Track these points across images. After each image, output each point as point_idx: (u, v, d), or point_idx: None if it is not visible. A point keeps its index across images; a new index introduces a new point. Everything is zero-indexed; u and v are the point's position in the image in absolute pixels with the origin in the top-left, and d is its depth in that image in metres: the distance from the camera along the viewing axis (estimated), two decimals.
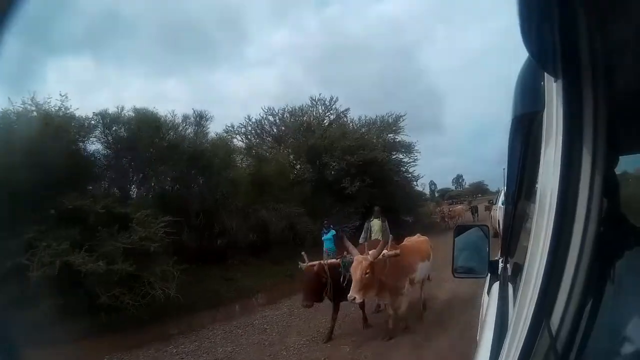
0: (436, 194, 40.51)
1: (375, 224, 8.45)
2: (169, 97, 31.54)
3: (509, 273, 1.93)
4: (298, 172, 15.73)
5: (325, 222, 11.54)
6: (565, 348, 0.68)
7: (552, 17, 0.66)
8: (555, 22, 0.66)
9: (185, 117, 12.30)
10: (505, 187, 6.66)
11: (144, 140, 10.22)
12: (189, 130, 12.29)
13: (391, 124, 17.60)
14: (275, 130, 16.48)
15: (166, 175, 10.52)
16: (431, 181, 38.69)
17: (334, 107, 17.30)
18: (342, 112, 17.33)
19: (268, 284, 10.86)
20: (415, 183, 20.58)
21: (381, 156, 15.51)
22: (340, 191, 15.00)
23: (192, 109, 12.93)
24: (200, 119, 12.72)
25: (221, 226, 11.36)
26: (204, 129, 12.75)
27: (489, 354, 1.19)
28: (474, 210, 24.00)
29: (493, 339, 1.28)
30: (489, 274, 2.39)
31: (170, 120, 11.51)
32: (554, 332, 0.69)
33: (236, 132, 16.14)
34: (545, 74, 0.78)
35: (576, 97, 0.67)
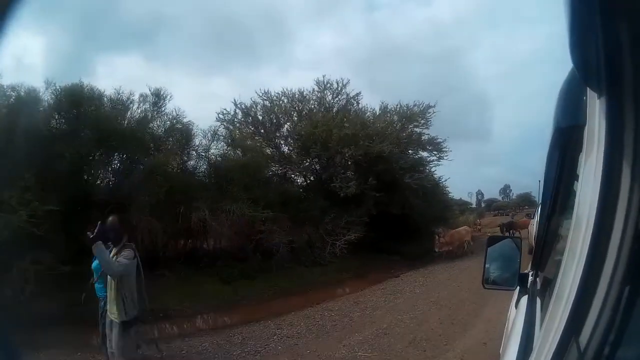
0: (482, 204, 38.75)
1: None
2: (216, 95, 31.11)
3: (538, 287, 1.91)
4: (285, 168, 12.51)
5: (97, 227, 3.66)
6: None
7: (597, 32, 0.63)
8: (600, 37, 0.63)
9: (144, 97, 10.83)
10: (540, 200, 5.65)
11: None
12: (136, 109, 10.64)
13: (416, 114, 13.71)
14: (267, 118, 13.37)
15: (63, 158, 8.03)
16: (478, 190, 37.39)
17: (343, 91, 13.79)
18: (353, 96, 13.78)
19: (203, 307, 8.27)
20: (447, 189, 17.03)
21: (388, 149, 11.70)
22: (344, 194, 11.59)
23: (147, 85, 11.31)
24: (158, 98, 10.97)
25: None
26: (162, 108, 11.00)
27: None
28: (507, 229, 17.34)
29: (518, 353, 1.27)
30: (518, 287, 2.33)
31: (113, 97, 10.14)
32: (582, 349, 0.65)
33: (226, 119, 13.28)
34: (588, 89, 0.77)
35: (619, 115, 0.65)
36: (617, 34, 0.61)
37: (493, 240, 2.66)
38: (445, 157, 14.35)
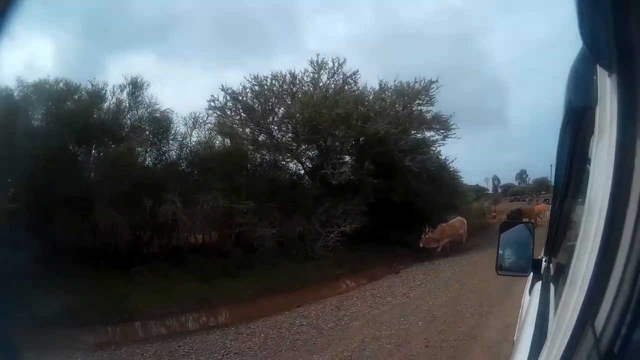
0: (499, 190, 38.33)
1: None
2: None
3: (552, 273, 1.90)
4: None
5: None
6: (608, 350, 0.62)
7: (606, 5, 0.63)
8: (609, 11, 0.62)
9: (122, 87, 10.47)
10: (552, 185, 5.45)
11: None
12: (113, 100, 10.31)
13: (417, 92, 12.38)
14: (258, 103, 12.27)
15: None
16: (494, 176, 37.17)
17: (340, 71, 12.55)
18: (350, 76, 12.52)
19: (173, 308, 7.54)
20: (458, 174, 15.61)
21: (384, 130, 10.45)
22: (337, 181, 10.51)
23: (123, 76, 10.74)
24: (135, 87, 10.56)
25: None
26: (139, 97, 10.56)
27: (527, 355, 1.18)
28: (515, 216, 15.41)
29: (532, 340, 1.27)
30: (532, 273, 2.34)
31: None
32: (598, 334, 0.64)
33: (217, 107, 12.29)
34: (599, 67, 0.74)
35: (631, 92, 0.64)
36: (627, 6, 0.61)
37: (506, 226, 2.61)
38: (452, 136, 12.98)
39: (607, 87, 0.69)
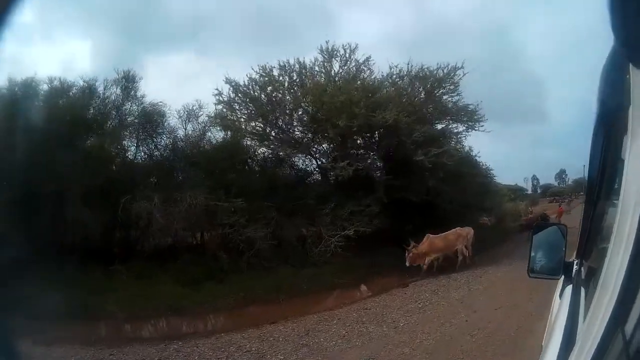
0: (538, 190, 35.70)
1: None
2: None
3: (583, 276, 1.88)
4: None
5: None
6: (637, 355, 0.62)
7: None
8: None
9: (116, 81, 10.28)
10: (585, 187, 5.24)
11: None
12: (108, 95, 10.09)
13: (441, 78, 10.88)
14: (265, 95, 11.27)
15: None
16: (533, 175, 33.99)
17: (352, 58, 11.27)
18: (364, 62, 11.21)
19: (140, 313, 7.08)
20: (490, 172, 13.83)
21: (392, 118, 9.02)
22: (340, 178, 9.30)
23: (114, 69, 10.42)
24: (127, 80, 10.28)
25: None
26: (132, 91, 10.29)
27: (555, 358, 1.16)
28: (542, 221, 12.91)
29: (561, 344, 1.24)
30: (563, 276, 2.31)
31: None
32: (627, 338, 0.64)
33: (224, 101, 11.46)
34: (632, 66, 0.73)
35: None
36: None
37: (539, 228, 2.60)
38: (479, 128, 11.31)
39: None
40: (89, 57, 19.73)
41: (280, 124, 11.12)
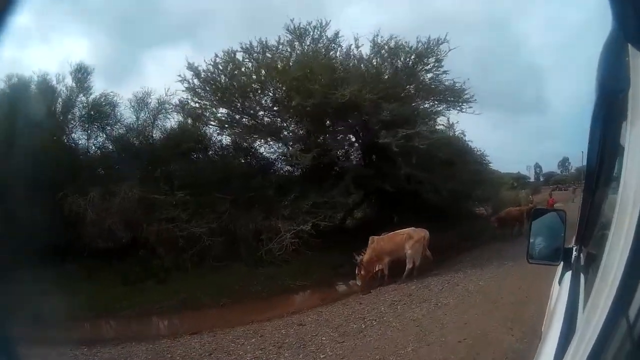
0: (541, 178, 35.88)
1: None
2: None
3: (582, 262, 1.87)
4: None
5: None
6: None
7: None
8: None
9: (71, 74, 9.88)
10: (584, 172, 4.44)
11: None
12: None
13: (422, 53, 9.64)
14: (229, 80, 10.14)
15: None
16: (536, 164, 34.41)
17: (324, 35, 10.06)
18: (332, 38, 9.97)
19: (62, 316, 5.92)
20: (485, 158, 12.51)
21: (348, 94, 7.76)
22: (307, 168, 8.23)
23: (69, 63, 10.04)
24: (79, 72, 9.84)
25: None
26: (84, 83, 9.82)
27: (555, 346, 1.14)
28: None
29: (562, 330, 1.22)
30: (562, 263, 2.28)
31: None
32: (631, 322, 0.63)
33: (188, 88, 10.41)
34: (631, 48, 0.72)
35: None
36: None
37: (538, 214, 2.53)
38: (467, 110, 10.01)
39: (639, 69, 0.68)
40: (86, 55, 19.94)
41: (246, 109, 10.01)
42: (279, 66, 8.74)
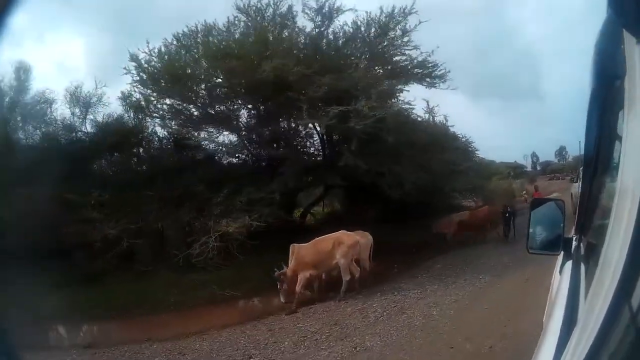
0: (538, 167, 34.69)
1: None
2: None
3: (582, 252, 1.85)
4: None
5: None
6: None
7: None
8: None
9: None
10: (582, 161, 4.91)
11: None
12: None
13: (386, 25, 8.45)
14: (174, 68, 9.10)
15: None
16: (533, 152, 33.12)
17: (277, 14, 8.90)
18: (284, 14, 8.78)
19: None
20: (471, 144, 11.38)
21: (271, 68, 6.65)
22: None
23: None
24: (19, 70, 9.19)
25: None
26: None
27: (557, 335, 1.13)
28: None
29: (563, 320, 1.21)
30: (562, 252, 2.26)
31: None
32: (634, 310, 0.63)
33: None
34: (626, 35, 0.71)
35: None
36: None
37: (537, 203, 2.54)
38: (439, 86, 8.75)
39: (635, 55, 0.67)
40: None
41: (187, 98, 9.02)
42: (214, 47, 7.63)
